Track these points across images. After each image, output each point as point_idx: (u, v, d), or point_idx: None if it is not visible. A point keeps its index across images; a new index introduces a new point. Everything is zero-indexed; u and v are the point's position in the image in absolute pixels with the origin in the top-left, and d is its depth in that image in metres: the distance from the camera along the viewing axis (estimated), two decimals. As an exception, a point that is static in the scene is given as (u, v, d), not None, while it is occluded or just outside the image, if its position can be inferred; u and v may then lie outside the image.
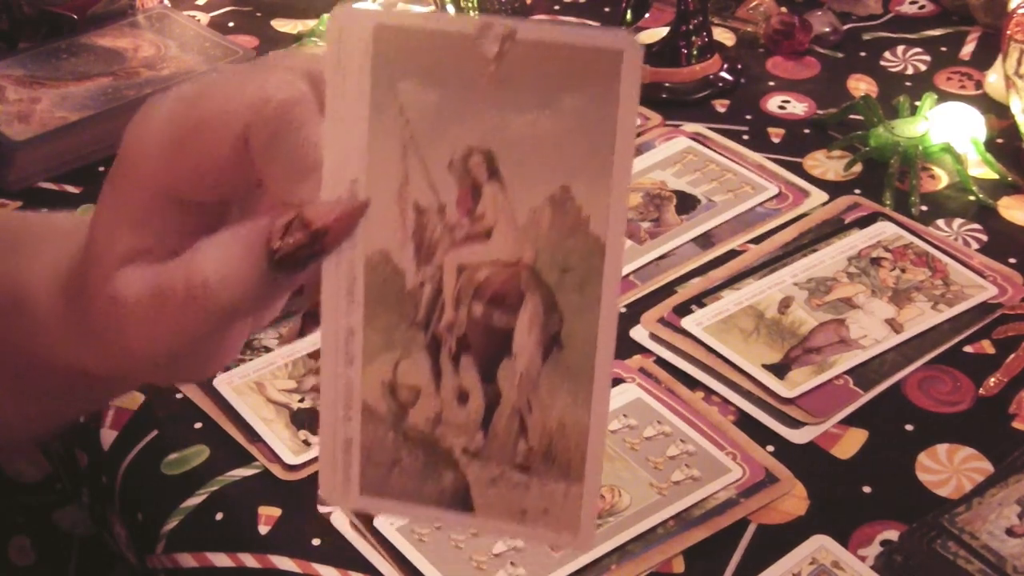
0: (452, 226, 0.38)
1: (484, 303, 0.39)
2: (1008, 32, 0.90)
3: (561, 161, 0.37)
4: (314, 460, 0.70)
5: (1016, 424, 0.71)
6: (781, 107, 0.99)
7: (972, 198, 0.88)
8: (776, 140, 0.95)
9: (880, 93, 1.00)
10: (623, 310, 0.80)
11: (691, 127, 0.96)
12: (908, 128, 0.92)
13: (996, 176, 0.90)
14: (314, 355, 0.76)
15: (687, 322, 0.78)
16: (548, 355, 0.39)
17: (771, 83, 1.02)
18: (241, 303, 0.38)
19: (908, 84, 1.01)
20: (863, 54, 1.06)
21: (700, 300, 0.80)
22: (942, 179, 0.91)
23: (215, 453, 0.71)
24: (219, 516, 0.68)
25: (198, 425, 0.73)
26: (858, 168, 0.91)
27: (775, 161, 0.92)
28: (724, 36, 1.08)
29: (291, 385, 0.75)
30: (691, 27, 1.00)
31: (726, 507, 0.66)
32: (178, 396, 0.75)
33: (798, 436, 0.71)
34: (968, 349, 0.76)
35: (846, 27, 1.08)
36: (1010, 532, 0.63)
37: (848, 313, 0.78)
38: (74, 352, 0.43)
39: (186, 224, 0.40)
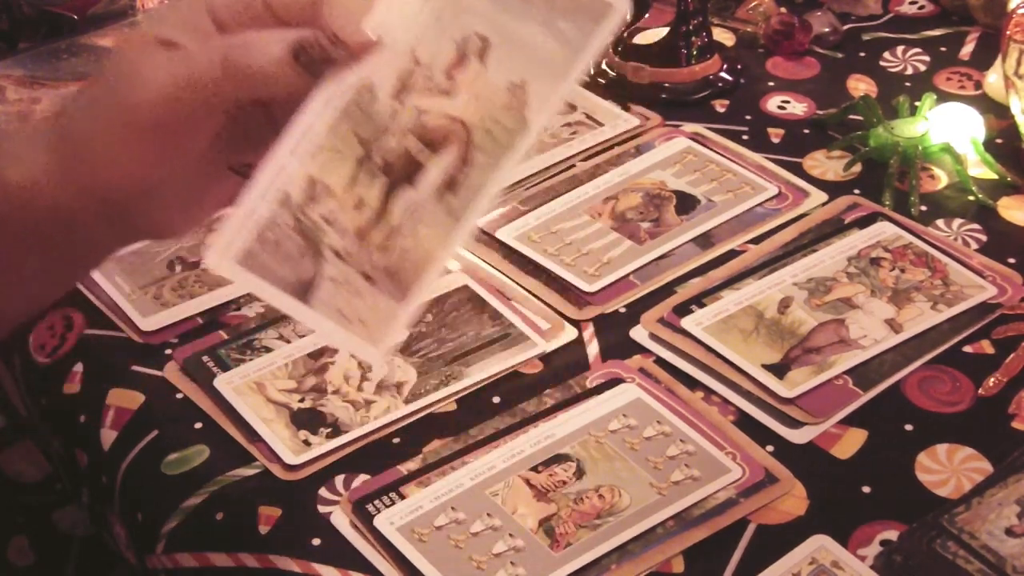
0: (431, 80, 0.47)
1: (420, 141, 0.48)
2: (1008, 32, 0.90)
3: (533, 64, 0.47)
4: (315, 460, 0.70)
5: (1015, 424, 0.71)
6: (781, 107, 0.99)
7: (972, 198, 0.88)
8: (776, 140, 0.96)
9: (880, 93, 1.00)
10: (623, 310, 0.80)
11: (691, 127, 0.96)
12: (908, 128, 0.92)
13: (995, 176, 0.90)
14: (314, 355, 0.76)
15: (687, 322, 0.78)
16: (442, 196, 0.48)
17: (771, 83, 1.02)
18: (268, 86, 0.46)
19: (908, 84, 1.01)
20: (863, 54, 1.06)
21: (700, 300, 0.80)
22: (942, 179, 0.91)
23: (215, 453, 0.71)
24: (219, 516, 0.68)
25: (198, 425, 0.73)
26: (858, 168, 0.91)
27: (775, 161, 0.92)
28: (724, 36, 1.08)
29: (291, 385, 0.75)
30: (691, 27, 1.00)
31: (726, 507, 0.67)
32: (178, 396, 0.75)
33: (798, 436, 0.71)
34: (968, 349, 0.76)
35: (846, 27, 1.08)
36: (1009, 532, 0.63)
37: (848, 313, 0.78)
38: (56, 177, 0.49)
39: (223, 40, 0.47)
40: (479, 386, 0.75)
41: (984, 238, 0.85)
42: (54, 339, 0.81)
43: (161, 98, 0.47)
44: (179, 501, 0.69)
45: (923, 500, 0.67)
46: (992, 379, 0.74)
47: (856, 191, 0.89)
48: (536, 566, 0.64)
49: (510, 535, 0.65)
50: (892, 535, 0.65)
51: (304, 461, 0.70)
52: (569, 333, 0.78)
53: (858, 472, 0.69)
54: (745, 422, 0.72)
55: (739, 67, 1.03)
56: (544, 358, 0.77)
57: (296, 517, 0.68)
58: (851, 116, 0.96)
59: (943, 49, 1.06)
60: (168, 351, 0.78)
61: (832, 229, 0.85)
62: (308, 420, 0.72)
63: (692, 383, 0.75)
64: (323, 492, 0.69)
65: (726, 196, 0.89)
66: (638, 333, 0.78)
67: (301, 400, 0.73)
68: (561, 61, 0.47)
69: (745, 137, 0.96)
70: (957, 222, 0.87)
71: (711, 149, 0.93)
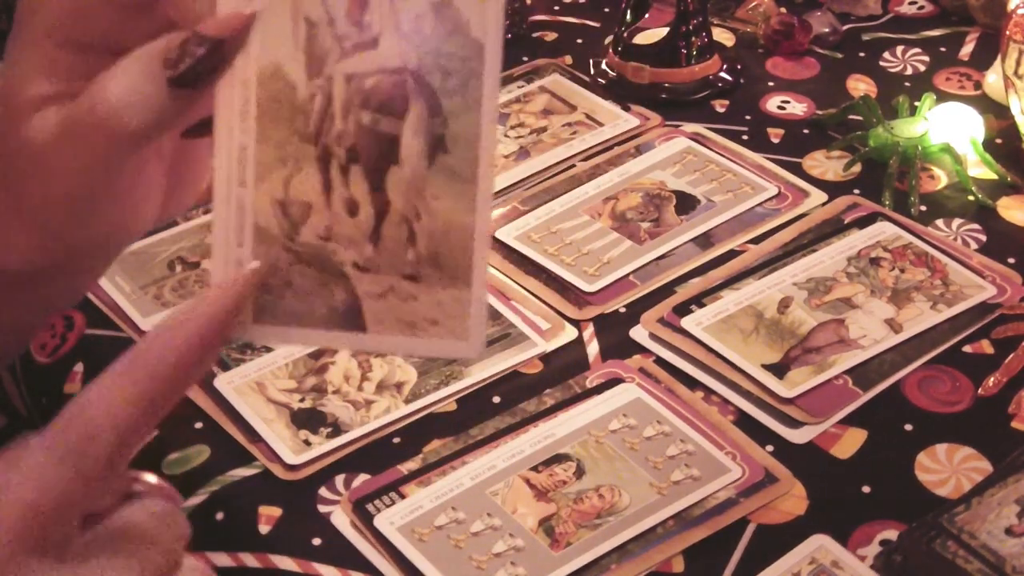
0: (341, 37, 0.40)
1: (371, 111, 0.40)
2: (1007, 32, 0.90)
3: None
4: (315, 460, 0.70)
5: (1015, 424, 0.71)
6: (781, 107, 0.99)
7: (971, 198, 0.88)
8: (775, 140, 0.96)
9: (879, 93, 1.00)
10: (623, 310, 0.80)
11: (691, 127, 0.96)
12: (907, 128, 0.92)
13: (995, 176, 0.90)
14: (314, 355, 0.76)
15: (687, 322, 0.78)
16: (434, 159, 0.40)
17: (771, 83, 1.02)
18: (147, 124, 0.39)
19: (907, 84, 1.01)
20: (862, 54, 1.06)
21: (700, 300, 0.80)
22: (941, 179, 0.91)
23: (215, 453, 0.71)
24: (219, 516, 0.68)
25: (198, 425, 0.73)
26: (857, 168, 0.91)
27: (774, 161, 0.92)
28: (724, 36, 1.08)
29: (291, 385, 0.75)
30: (691, 27, 1.00)
31: (726, 507, 0.67)
32: (178, 396, 0.75)
33: (797, 436, 0.71)
34: (967, 349, 0.76)
35: (845, 27, 1.08)
36: (1009, 532, 0.63)
37: (847, 313, 0.78)
38: None
39: (95, 70, 0.40)
40: (479, 386, 0.75)
41: (984, 238, 0.85)
42: (55, 339, 0.81)
43: (47, 180, 0.42)
44: (179, 501, 0.69)
45: (923, 500, 0.67)
46: (992, 379, 0.74)
47: (856, 191, 0.89)
48: (536, 566, 0.64)
49: (510, 535, 0.65)
50: (892, 535, 0.65)
51: (304, 461, 0.70)
52: (569, 333, 0.78)
53: (858, 472, 0.69)
54: (745, 422, 0.72)
55: (739, 67, 1.03)
56: (544, 358, 0.77)
57: (296, 517, 0.68)
58: (851, 116, 0.96)
59: (943, 49, 1.06)
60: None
61: (832, 229, 0.85)
62: (308, 420, 0.72)
63: (692, 383, 0.75)
64: (323, 492, 0.69)
65: (726, 196, 0.89)
66: (638, 333, 0.78)
67: (301, 400, 0.74)
68: None
69: (745, 137, 0.96)
70: (957, 222, 0.87)
71: (711, 149, 0.93)
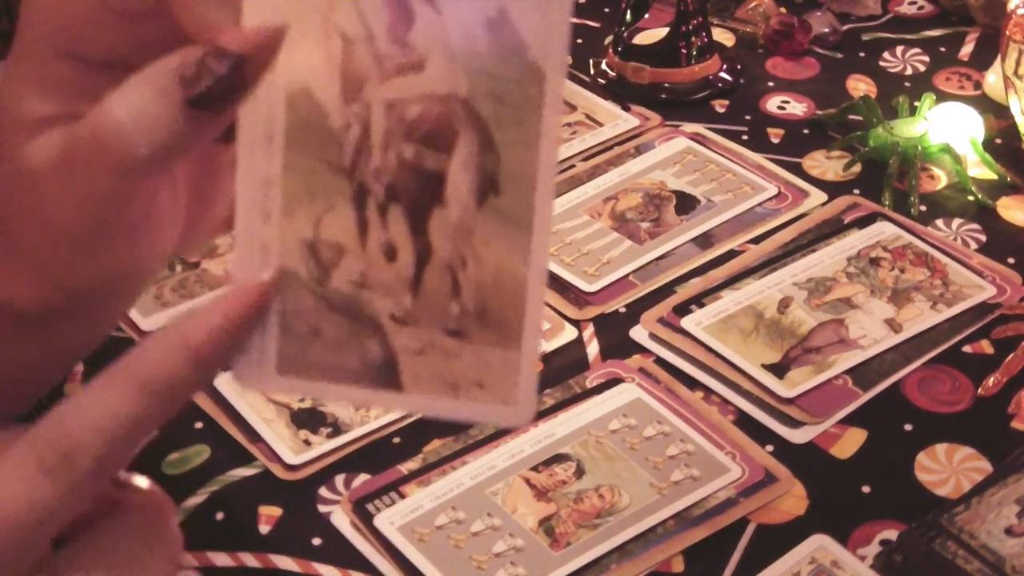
0: (382, 57, 0.34)
1: (415, 143, 0.35)
2: (1007, 32, 0.90)
3: None
4: (315, 460, 0.70)
5: (1015, 424, 0.72)
6: (780, 107, 0.99)
7: (971, 198, 0.88)
8: (775, 140, 0.96)
9: (879, 93, 1.00)
10: (622, 310, 0.80)
11: (690, 127, 0.96)
12: (907, 128, 0.92)
13: (995, 176, 0.90)
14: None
15: (687, 322, 0.78)
16: (483, 200, 0.35)
17: (770, 83, 1.02)
18: (157, 150, 0.34)
19: (907, 84, 1.01)
20: (862, 54, 1.06)
21: (700, 300, 0.80)
22: (941, 179, 0.91)
23: (215, 453, 0.71)
24: (219, 516, 0.68)
25: (198, 425, 0.73)
26: (857, 168, 0.91)
27: (774, 161, 0.92)
28: (724, 37, 1.08)
29: (291, 385, 0.74)
30: (691, 27, 1.00)
31: (726, 507, 0.67)
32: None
33: (797, 436, 0.71)
34: (967, 349, 0.76)
35: (845, 27, 1.08)
36: (1009, 532, 0.63)
37: (847, 313, 0.78)
38: None
39: (98, 88, 0.35)
40: (479, 386, 0.75)
41: (984, 238, 0.85)
42: (54, 339, 0.81)
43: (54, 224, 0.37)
44: (179, 501, 0.69)
45: (923, 500, 0.67)
46: (992, 379, 0.74)
47: (856, 191, 0.89)
48: (536, 566, 0.64)
49: (510, 535, 0.65)
50: (892, 535, 0.65)
51: (304, 461, 0.70)
52: (569, 333, 0.78)
53: (858, 472, 0.69)
54: (745, 422, 0.72)
55: (739, 67, 1.03)
56: (544, 358, 0.77)
57: (296, 517, 0.68)
58: (851, 116, 0.96)
59: (943, 49, 1.06)
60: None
61: (832, 229, 0.85)
62: (308, 420, 0.72)
63: (692, 383, 0.75)
64: (323, 492, 0.69)
65: (726, 196, 0.89)
66: (638, 333, 0.78)
67: (301, 400, 0.73)
68: None
69: (745, 137, 0.96)
70: (957, 222, 0.87)
71: (711, 149, 0.93)
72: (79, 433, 0.33)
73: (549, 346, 0.77)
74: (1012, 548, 0.62)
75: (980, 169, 0.91)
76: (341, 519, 0.67)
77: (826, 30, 1.06)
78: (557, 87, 0.34)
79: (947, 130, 0.92)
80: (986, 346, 0.77)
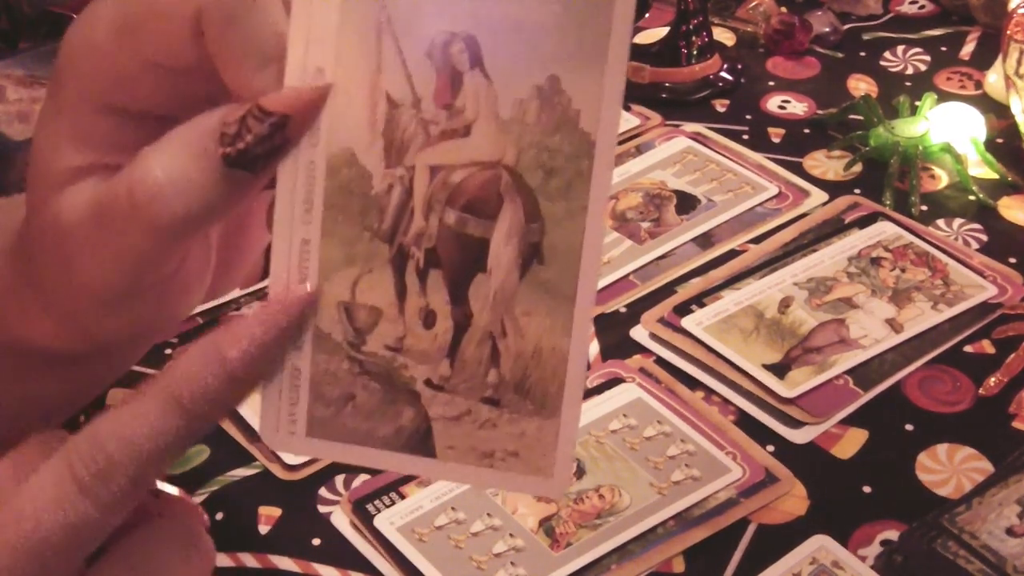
0: (427, 122, 0.34)
1: (458, 209, 0.34)
2: (1008, 32, 0.90)
3: (550, 48, 0.33)
4: (314, 460, 0.70)
5: (1016, 424, 0.71)
6: (781, 107, 0.99)
7: (972, 198, 0.88)
8: (776, 140, 0.95)
9: (880, 93, 1.00)
10: (623, 310, 0.80)
11: (691, 127, 0.96)
12: (908, 128, 0.92)
13: (996, 176, 0.90)
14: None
15: (687, 322, 0.78)
16: (526, 270, 0.34)
17: (771, 83, 1.02)
18: (194, 212, 0.33)
19: (908, 84, 1.01)
20: (863, 54, 1.06)
21: (700, 300, 0.80)
22: (942, 179, 0.91)
23: (215, 453, 0.71)
24: (219, 516, 0.68)
25: (198, 425, 0.73)
26: (858, 168, 0.91)
27: (775, 161, 0.92)
28: (724, 36, 1.08)
29: (291, 385, 0.74)
30: (691, 27, 1.00)
31: (726, 507, 0.66)
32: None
33: (798, 436, 0.71)
34: (968, 349, 0.76)
35: (846, 27, 1.08)
36: (1010, 532, 0.63)
37: (848, 313, 0.78)
38: (21, 321, 0.39)
39: (135, 140, 0.35)
40: (479, 386, 0.75)
41: (985, 238, 0.85)
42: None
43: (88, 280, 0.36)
44: (179, 501, 0.69)
45: (923, 500, 0.67)
46: (992, 379, 0.74)
47: (856, 191, 0.89)
48: (536, 566, 0.64)
49: (510, 535, 0.65)
50: (892, 535, 0.65)
51: (304, 461, 0.70)
52: (569, 333, 0.78)
53: (858, 472, 0.69)
54: (745, 422, 0.72)
55: (739, 67, 1.03)
56: (544, 358, 0.76)
57: (296, 517, 0.68)
58: (851, 116, 0.96)
59: (943, 49, 1.06)
60: (168, 351, 0.78)
61: (832, 229, 0.85)
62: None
63: (692, 383, 0.75)
64: (323, 492, 0.69)
65: (726, 196, 0.88)
66: (638, 333, 0.78)
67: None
68: (582, 29, 0.33)
69: (745, 137, 0.96)
70: (957, 222, 0.87)
71: (711, 149, 0.93)
72: (114, 450, 0.32)
73: (549, 346, 0.77)
74: (1013, 548, 0.62)
75: (981, 169, 0.91)
76: (341, 519, 0.67)
77: (827, 29, 1.06)
78: (607, 157, 0.33)
79: (948, 130, 0.92)
80: (987, 346, 0.76)
